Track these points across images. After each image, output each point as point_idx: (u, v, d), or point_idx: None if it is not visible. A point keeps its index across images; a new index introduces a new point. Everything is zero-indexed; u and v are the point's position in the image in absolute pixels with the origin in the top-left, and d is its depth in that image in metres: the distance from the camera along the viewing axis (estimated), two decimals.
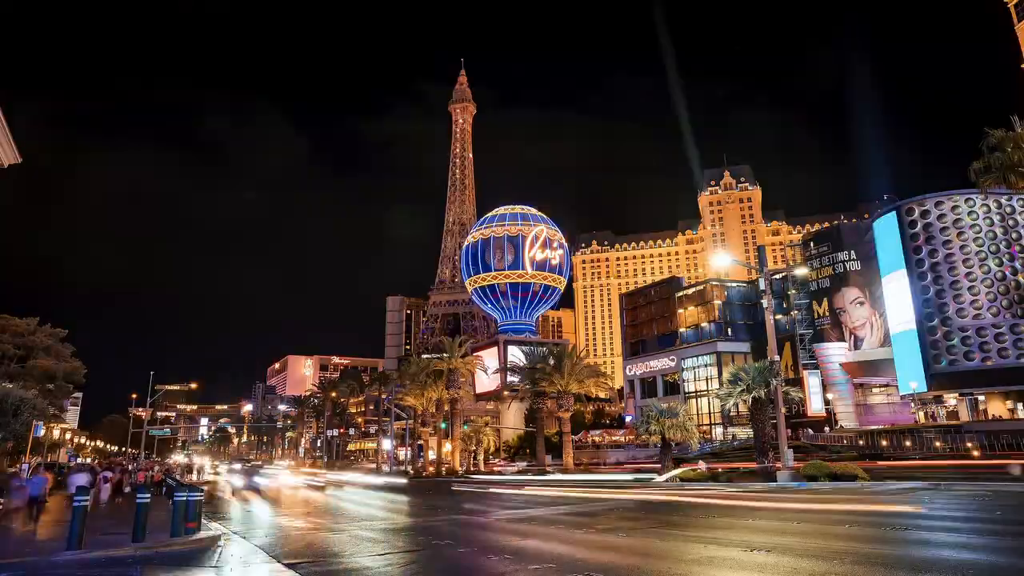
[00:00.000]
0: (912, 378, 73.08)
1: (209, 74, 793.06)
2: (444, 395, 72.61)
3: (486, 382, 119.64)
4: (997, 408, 69.11)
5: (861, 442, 66.02)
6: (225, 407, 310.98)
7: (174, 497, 19.83)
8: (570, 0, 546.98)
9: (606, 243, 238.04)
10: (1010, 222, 71.56)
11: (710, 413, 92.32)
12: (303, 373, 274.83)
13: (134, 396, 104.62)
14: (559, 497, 34.37)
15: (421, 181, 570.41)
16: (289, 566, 14.76)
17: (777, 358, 39.14)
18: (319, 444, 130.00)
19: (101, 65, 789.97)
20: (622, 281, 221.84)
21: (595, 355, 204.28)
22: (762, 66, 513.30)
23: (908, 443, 61.22)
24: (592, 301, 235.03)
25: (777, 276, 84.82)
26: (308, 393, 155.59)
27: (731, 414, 78.44)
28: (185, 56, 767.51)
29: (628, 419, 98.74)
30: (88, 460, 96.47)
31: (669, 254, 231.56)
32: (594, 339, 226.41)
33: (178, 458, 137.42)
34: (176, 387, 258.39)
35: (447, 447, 74.90)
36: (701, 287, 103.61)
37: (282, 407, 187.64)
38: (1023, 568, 12.17)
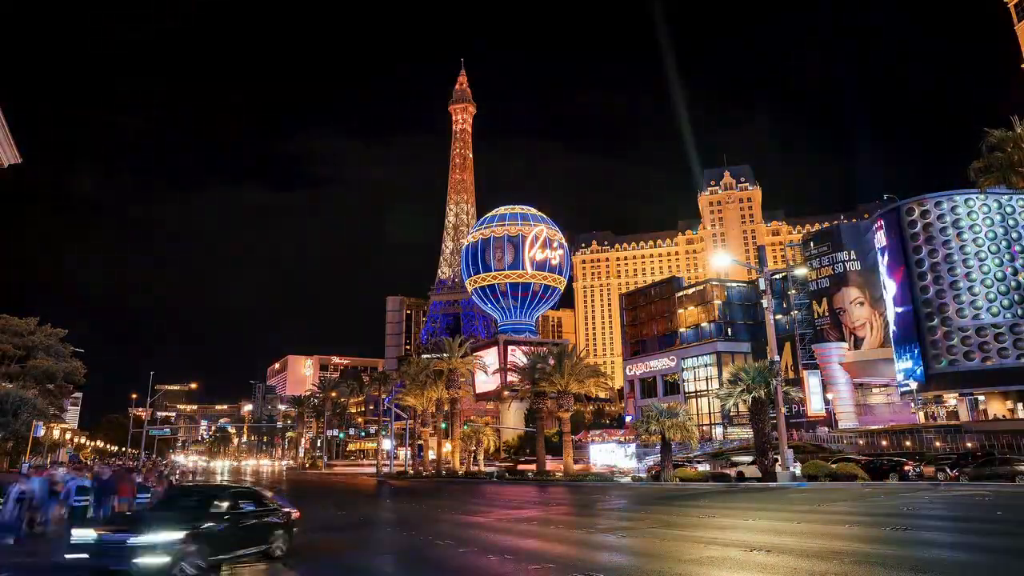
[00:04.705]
0: (912, 378, 73.07)
1: (208, 78, 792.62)
2: (444, 395, 72.63)
3: (486, 382, 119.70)
4: (997, 408, 69.07)
5: (861, 442, 65.95)
6: (225, 407, 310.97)
7: None
8: (568, 0, 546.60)
9: (606, 243, 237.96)
10: (1010, 222, 71.49)
11: (710, 413, 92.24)
12: (303, 373, 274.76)
13: (134, 396, 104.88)
14: None
15: (421, 181, 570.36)
16: (289, 566, 14.77)
17: (777, 358, 39.17)
18: (319, 444, 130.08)
19: (111, 72, 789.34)
20: (622, 281, 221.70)
21: (595, 355, 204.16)
22: (762, 66, 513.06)
23: (908, 443, 61.16)
24: (592, 301, 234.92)
25: (777, 276, 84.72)
26: (308, 393, 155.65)
27: (731, 414, 78.32)
28: (182, 59, 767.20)
29: (628, 419, 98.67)
30: (89, 461, 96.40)
31: (669, 254, 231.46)
32: (594, 339, 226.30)
33: (179, 460, 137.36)
34: (176, 387, 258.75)
35: (447, 447, 74.93)
36: (701, 287, 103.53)
37: (282, 407, 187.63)
38: (1022, 568, 12.18)
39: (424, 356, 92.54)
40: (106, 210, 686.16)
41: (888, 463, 41.12)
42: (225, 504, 14.90)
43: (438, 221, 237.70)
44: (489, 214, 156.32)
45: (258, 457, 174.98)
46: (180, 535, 12.72)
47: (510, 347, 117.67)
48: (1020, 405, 68.00)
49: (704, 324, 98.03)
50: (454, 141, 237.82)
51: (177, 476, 61.95)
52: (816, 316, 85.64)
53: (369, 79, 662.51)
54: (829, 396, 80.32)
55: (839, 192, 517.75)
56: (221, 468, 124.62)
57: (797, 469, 36.92)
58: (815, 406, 78.08)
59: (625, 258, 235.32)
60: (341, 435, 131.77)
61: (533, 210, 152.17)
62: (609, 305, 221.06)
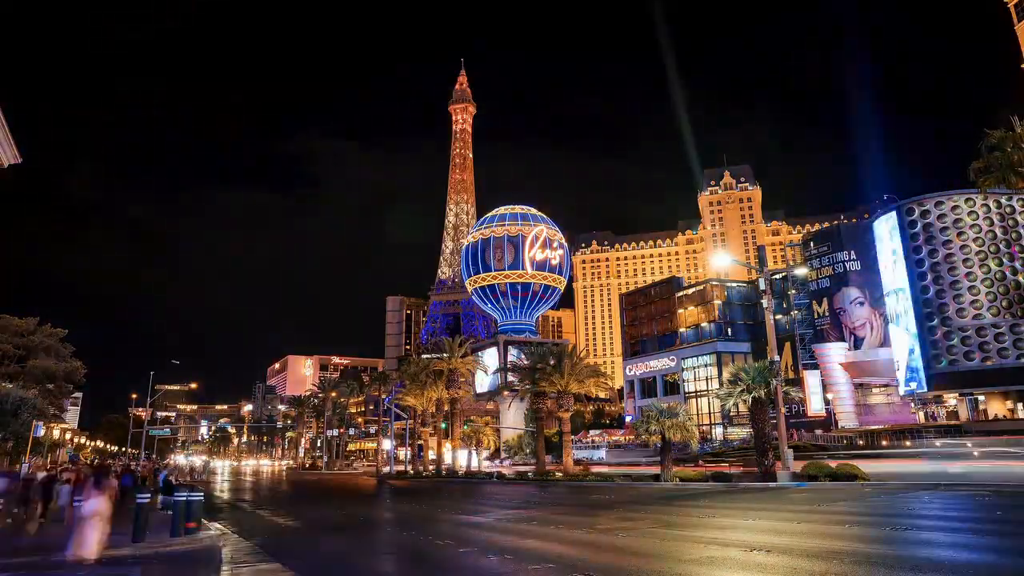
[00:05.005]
0: (912, 378, 73.08)
1: (208, 78, 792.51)
2: (444, 395, 72.59)
3: (486, 382, 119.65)
4: (997, 408, 69.09)
5: (861, 442, 65.98)
6: (225, 407, 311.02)
7: (174, 497, 19.88)
8: (568, 1, 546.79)
9: (606, 243, 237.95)
10: (1010, 222, 71.55)
11: (710, 413, 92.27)
12: (303, 373, 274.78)
13: (134, 396, 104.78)
14: None
15: (421, 181, 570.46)
16: (289, 565, 14.77)
17: (777, 358, 39.13)
18: (319, 444, 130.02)
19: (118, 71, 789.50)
20: (622, 281, 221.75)
21: (595, 355, 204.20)
22: (762, 66, 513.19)
23: (908, 443, 61.18)
24: (592, 301, 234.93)
25: (777, 276, 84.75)
26: (308, 393, 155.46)
27: (731, 414, 78.40)
28: (182, 59, 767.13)
29: (628, 419, 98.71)
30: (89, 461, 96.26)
31: (669, 254, 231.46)
32: (594, 339, 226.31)
33: (180, 459, 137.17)
34: (176, 387, 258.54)
35: (447, 447, 74.88)
36: (701, 287, 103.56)
37: (282, 407, 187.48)
38: (1022, 568, 12.17)
39: (424, 356, 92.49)
40: (106, 210, 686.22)
41: None
42: None
43: (438, 221, 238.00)
44: (489, 214, 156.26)
45: (258, 457, 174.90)
46: None
47: (510, 347, 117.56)
48: (1020, 405, 68.00)
49: (704, 324, 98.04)
50: (454, 141, 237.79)
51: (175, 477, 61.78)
52: (816, 316, 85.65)
53: (369, 79, 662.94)
54: (829, 396, 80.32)
55: (839, 192, 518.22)
56: (220, 468, 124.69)
57: (797, 468, 36.90)
58: (815, 406, 78.08)
59: (625, 258, 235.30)
60: (339, 434, 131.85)
61: (533, 210, 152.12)
62: (609, 305, 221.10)
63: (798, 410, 73.57)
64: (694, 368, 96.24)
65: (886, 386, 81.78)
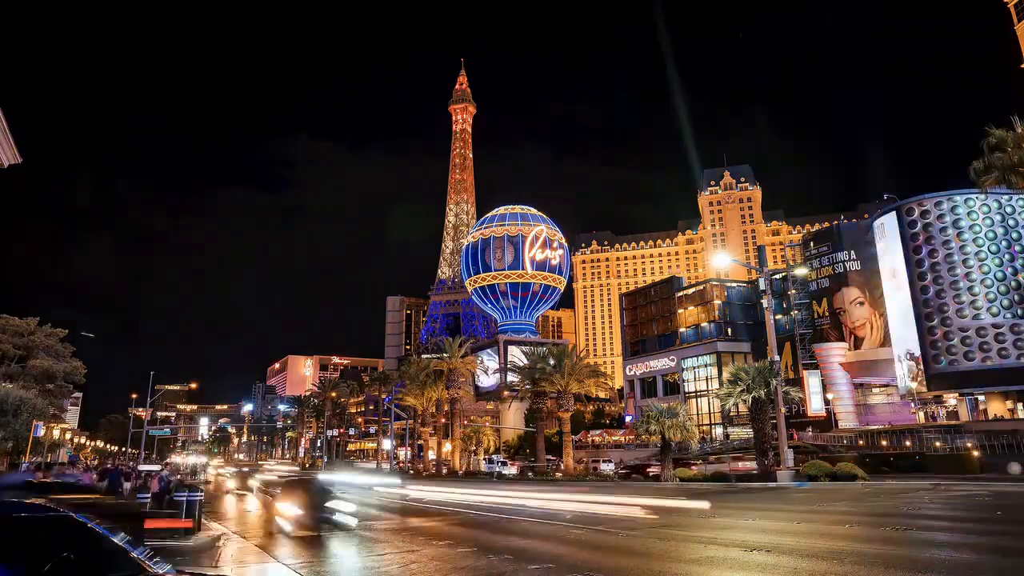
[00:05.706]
0: (911, 378, 73.03)
1: (209, 79, 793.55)
2: (444, 395, 72.69)
3: (486, 382, 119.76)
4: (997, 408, 69.07)
5: (861, 442, 65.98)
6: (225, 407, 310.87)
7: (174, 498, 19.93)
8: (568, 1, 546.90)
9: (606, 243, 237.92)
10: (1010, 222, 71.51)
11: (710, 413, 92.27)
12: (303, 373, 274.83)
13: (134, 396, 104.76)
14: None
15: (421, 181, 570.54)
16: (288, 565, 14.77)
17: (777, 358, 39.17)
18: (319, 444, 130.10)
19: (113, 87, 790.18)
20: (622, 281, 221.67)
21: (595, 355, 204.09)
22: (762, 66, 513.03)
23: (908, 443, 61.19)
24: (592, 301, 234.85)
25: (777, 276, 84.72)
26: (308, 393, 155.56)
27: (731, 414, 78.32)
28: (183, 61, 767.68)
29: (628, 419, 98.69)
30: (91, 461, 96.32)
31: (669, 254, 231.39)
32: (594, 339, 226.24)
33: (178, 460, 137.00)
34: (176, 387, 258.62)
35: (447, 447, 74.94)
36: (701, 287, 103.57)
37: (282, 407, 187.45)
38: (1022, 568, 12.17)
39: (424, 356, 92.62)
40: (106, 210, 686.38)
41: None
42: None
43: (438, 221, 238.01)
44: (489, 214, 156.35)
45: (259, 457, 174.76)
46: None
47: (510, 347, 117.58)
48: (1020, 405, 67.99)
49: (704, 324, 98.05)
50: (454, 141, 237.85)
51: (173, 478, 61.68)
52: (816, 316, 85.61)
53: (370, 79, 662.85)
54: (829, 396, 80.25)
55: (839, 192, 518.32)
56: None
57: (796, 468, 36.94)
58: (815, 406, 77.93)
59: (625, 258, 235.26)
60: (339, 434, 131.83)
61: (533, 210, 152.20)
62: (609, 305, 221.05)
63: (798, 410, 73.50)
64: (694, 368, 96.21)
65: (886, 386, 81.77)
